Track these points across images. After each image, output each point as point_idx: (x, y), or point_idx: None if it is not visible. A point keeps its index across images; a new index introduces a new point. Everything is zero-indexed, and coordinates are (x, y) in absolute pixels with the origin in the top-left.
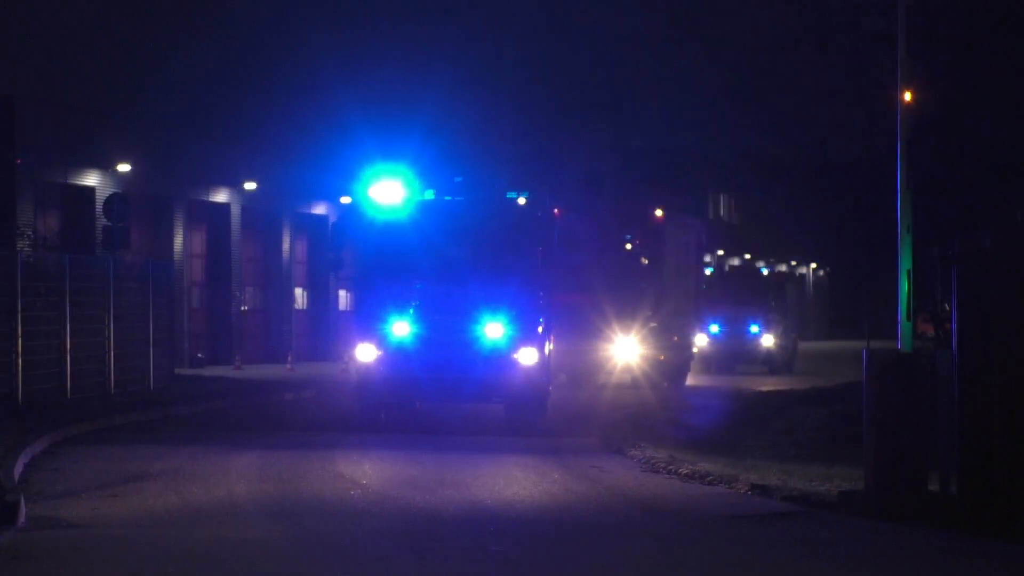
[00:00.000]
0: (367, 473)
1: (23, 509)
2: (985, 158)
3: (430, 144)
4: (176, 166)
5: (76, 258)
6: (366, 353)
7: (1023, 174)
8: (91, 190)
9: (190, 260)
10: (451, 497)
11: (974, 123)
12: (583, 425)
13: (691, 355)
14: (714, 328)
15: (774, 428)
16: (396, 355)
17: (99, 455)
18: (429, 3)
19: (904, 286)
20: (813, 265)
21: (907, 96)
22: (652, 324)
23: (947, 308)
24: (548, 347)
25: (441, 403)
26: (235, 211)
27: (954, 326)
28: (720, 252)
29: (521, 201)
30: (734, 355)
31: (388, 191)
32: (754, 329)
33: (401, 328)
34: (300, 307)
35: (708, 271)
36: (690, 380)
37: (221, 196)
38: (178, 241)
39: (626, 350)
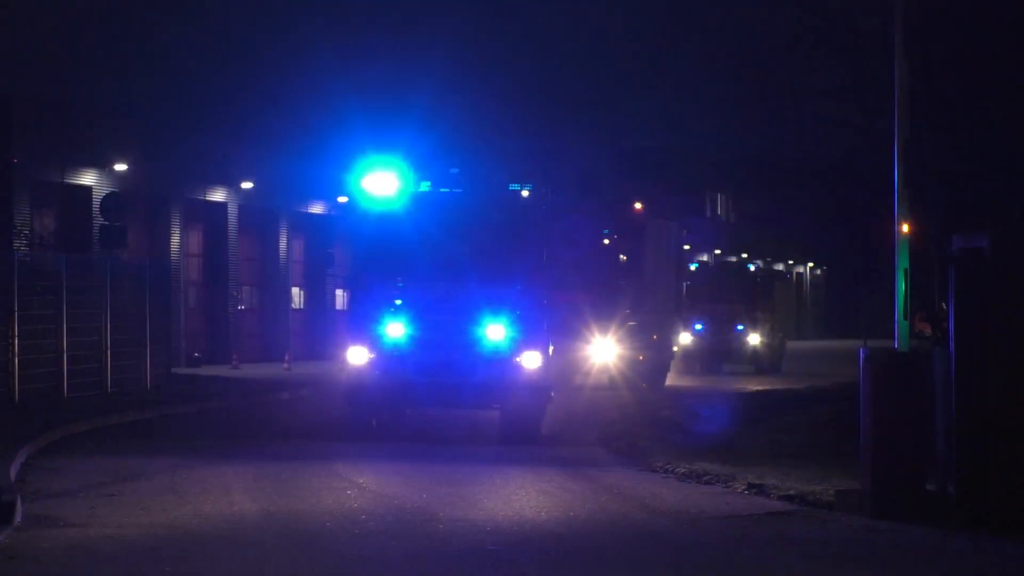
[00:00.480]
0: (364, 487)
1: (20, 508)
2: (982, 156)
3: (425, 137)
4: (173, 165)
5: (73, 257)
6: (358, 356)
7: (1019, 172)
8: (88, 189)
9: (187, 259)
10: (459, 527)
11: (971, 121)
12: (580, 431)
13: (671, 355)
14: (698, 326)
15: (770, 428)
16: (390, 358)
17: (96, 455)
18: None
19: (901, 285)
20: (810, 264)
21: (904, 95)
22: (631, 323)
23: (944, 307)
24: (551, 350)
25: (437, 409)
26: (232, 210)
27: (952, 325)
28: (717, 251)
29: (524, 194)
30: (719, 354)
31: (382, 182)
32: (740, 327)
33: (395, 329)
34: (297, 306)
35: (693, 267)
36: (675, 381)
37: (218, 195)
38: (175, 240)
39: (603, 350)
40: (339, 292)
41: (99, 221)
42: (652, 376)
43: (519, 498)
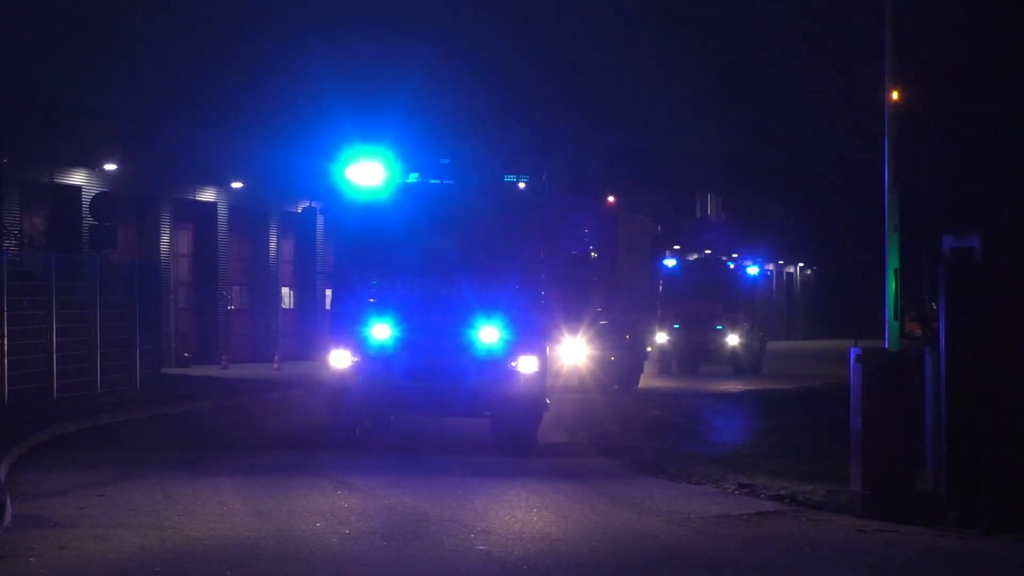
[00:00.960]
0: (349, 511)
1: (9, 509)
2: (971, 156)
3: (413, 128)
4: (162, 165)
5: (63, 257)
6: (341, 359)
7: (1008, 171)
8: (77, 189)
9: (176, 259)
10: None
11: (961, 121)
12: (564, 432)
13: (645, 355)
14: (675, 326)
15: (759, 428)
16: (375, 362)
17: (86, 455)
18: None
19: (891, 285)
20: (800, 264)
21: (894, 95)
22: (603, 322)
23: (934, 307)
24: (547, 352)
25: (426, 417)
26: (222, 210)
27: (942, 325)
28: (707, 251)
29: (521, 185)
30: (697, 354)
31: (367, 172)
32: (718, 327)
33: (381, 331)
34: (287, 306)
35: (671, 262)
36: (651, 382)
37: (208, 195)
38: (164, 240)
39: (574, 351)
40: (329, 292)
41: (88, 221)
42: (624, 378)
43: (509, 498)
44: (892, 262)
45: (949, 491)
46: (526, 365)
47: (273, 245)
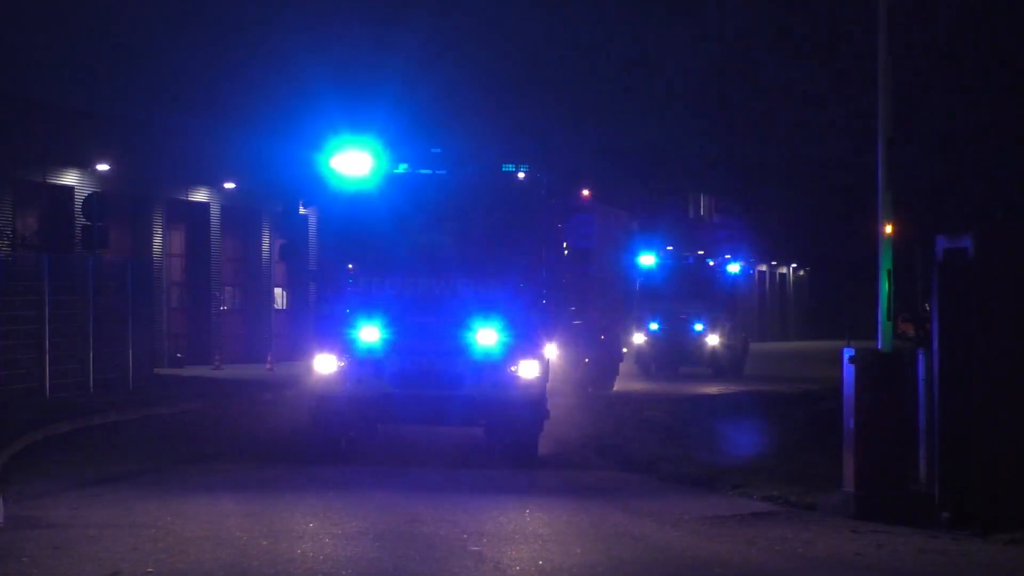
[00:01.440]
0: (342, 511)
1: (2, 509)
2: (965, 158)
3: (403, 120)
4: (155, 165)
5: (55, 257)
6: (326, 364)
7: (1001, 173)
8: (70, 189)
9: (169, 259)
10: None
11: (954, 123)
12: (573, 447)
13: (620, 356)
14: (653, 326)
15: (751, 429)
16: (363, 367)
17: (78, 455)
18: None
19: (884, 286)
20: (793, 265)
21: (888, 97)
22: (576, 322)
23: (927, 308)
24: (548, 356)
25: (418, 426)
26: (214, 210)
27: (935, 326)
28: (700, 252)
29: (520, 175)
30: (675, 355)
31: (354, 162)
32: (698, 328)
33: (370, 333)
34: (280, 307)
35: (649, 260)
36: (628, 384)
37: (200, 195)
38: (157, 240)
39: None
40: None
41: (81, 221)
42: (599, 380)
43: (501, 497)
44: (885, 263)
45: (942, 492)
46: (527, 370)
47: (266, 245)
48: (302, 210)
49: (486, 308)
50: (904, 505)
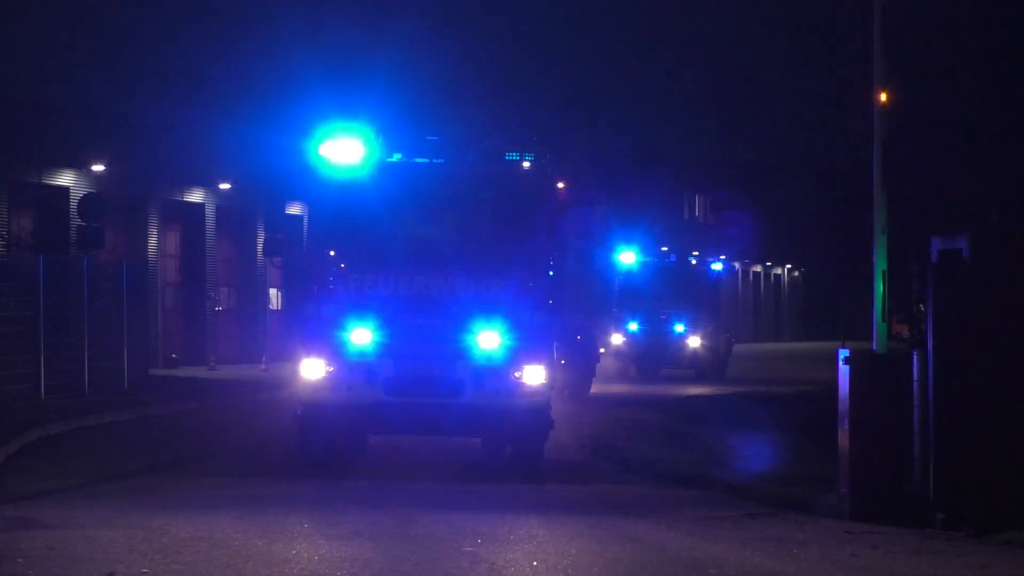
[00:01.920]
0: (339, 512)
1: None
2: (959, 158)
3: (399, 108)
4: (150, 166)
5: (51, 258)
6: (314, 370)
7: (996, 174)
8: (65, 190)
9: (164, 260)
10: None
11: (949, 124)
12: (567, 449)
13: (597, 357)
14: (633, 326)
15: (746, 430)
16: (354, 372)
17: (74, 456)
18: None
19: (879, 287)
20: (788, 266)
21: (882, 97)
22: None
23: (922, 309)
24: (556, 362)
25: (413, 436)
26: (209, 211)
27: (930, 327)
28: (695, 253)
29: (526, 165)
30: (657, 357)
31: (344, 150)
32: (679, 328)
33: (361, 336)
34: (275, 307)
35: (629, 258)
36: (607, 387)
37: (196, 196)
38: (152, 241)
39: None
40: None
41: (77, 222)
42: (575, 382)
43: (495, 499)
44: (880, 264)
45: (937, 493)
46: (532, 376)
47: (260, 246)
48: (295, 209)
49: (488, 309)
50: (899, 506)
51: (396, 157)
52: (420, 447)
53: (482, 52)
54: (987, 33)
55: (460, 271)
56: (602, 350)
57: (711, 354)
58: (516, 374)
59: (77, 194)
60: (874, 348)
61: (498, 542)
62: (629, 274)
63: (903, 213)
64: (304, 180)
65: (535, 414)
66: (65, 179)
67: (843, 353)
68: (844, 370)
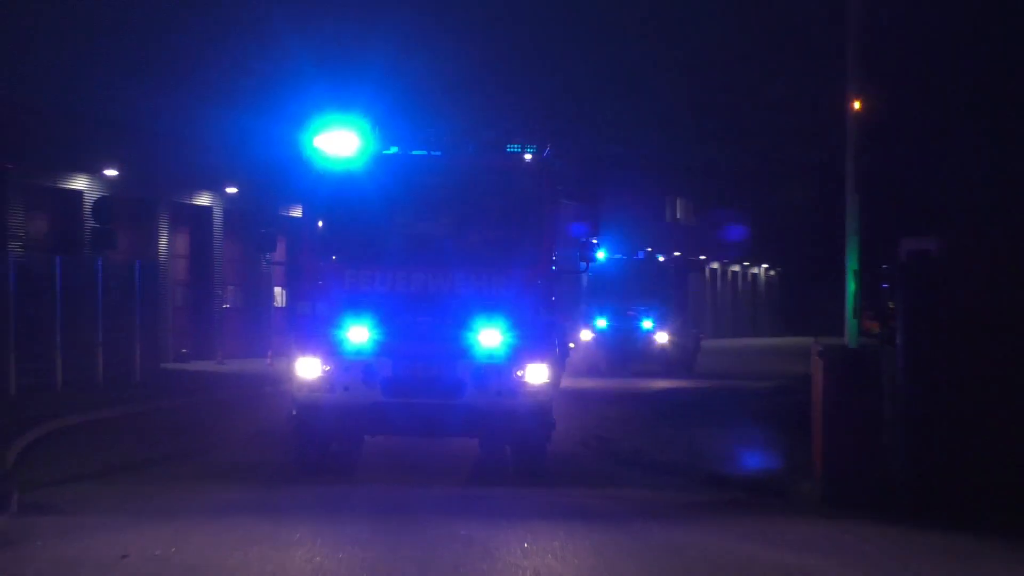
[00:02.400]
0: (341, 498)
1: (15, 496)
2: (929, 162)
3: (396, 100)
4: (160, 171)
5: (66, 259)
6: (309, 369)
7: (964, 177)
8: (79, 194)
9: (174, 260)
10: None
11: (919, 131)
12: (556, 441)
13: (567, 352)
14: (602, 322)
15: (721, 422)
16: (351, 373)
17: (88, 446)
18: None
19: (851, 286)
20: (764, 265)
21: (856, 104)
22: None
23: (892, 306)
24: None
25: (411, 437)
26: (217, 213)
27: (900, 323)
28: (677, 253)
29: (527, 157)
30: (626, 352)
31: (340, 142)
32: (647, 325)
33: (358, 334)
34: (279, 305)
35: (600, 254)
36: (577, 382)
37: (204, 199)
38: (162, 242)
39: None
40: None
41: (90, 224)
42: None
43: (494, 489)
44: (852, 264)
45: (907, 483)
46: (535, 375)
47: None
48: (297, 212)
49: (489, 305)
50: (871, 493)
51: (393, 150)
52: (418, 446)
53: (467, 47)
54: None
55: (460, 267)
56: (571, 345)
57: (679, 350)
58: (519, 373)
59: (90, 198)
60: (846, 343)
61: (491, 526)
62: (599, 271)
63: (874, 216)
64: (298, 173)
65: (539, 414)
66: (79, 183)
67: (818, 348)
68: (819, 364)
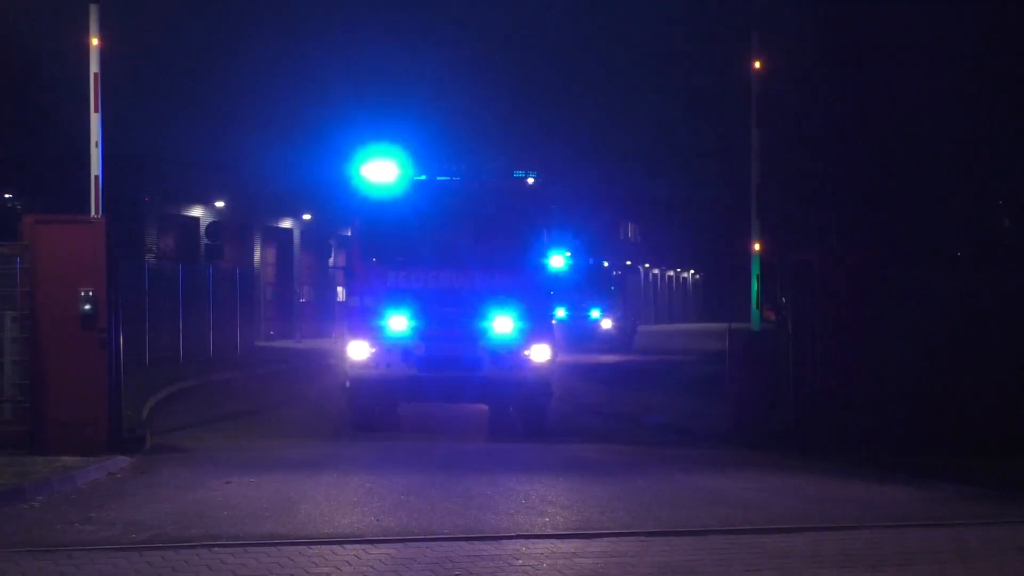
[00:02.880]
0: (391, 449)
1: (148, 439)
2: (810, 198)
3: (430, 133)
4: (255, 202)
5: (186, 266)
6: (359, 351)
7: (837, 207)
8: (196, 219)
9: (265, 267)
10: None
11: (802, 174)
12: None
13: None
14: (561, 313)
15: (665, 384)
16: (392, 353)
17: (203, 401)
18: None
19: (754, 285)
20: (691, 271)
21: (758, 155)
22: None
23: (783, 301)
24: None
25: (441, 404)
26: (296, 234)
27: (790, 314)
28: (628, 262)
29: (530, 181)
30: (578, 335)
31: (381, 170)
32: (595, 314)
33: (398, 323)
34: (341, 299)
35: (559, 261)
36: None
37: (286, 223)
38: (256, 255)
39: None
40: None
41: (204, 242)
42: None
43: (501, 443)
44: (754, 270)
45: (795, 428)
46: (539, 353)
47: (331, 258)
48: (350, 231)
49: (501, 299)
50: (770, 436)
51: (423, 177)
52: (444, 413)
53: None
54: (830, 115)
55: (477, 268)
56: None
57: (620, 332)
58: (525, 352)
59: (205, 222)
60: (751, 327)
61: (503, 470)
62: (557, 274)
63: (771, 236)
64: (349, 195)
65: (542, 384)
66: (196, 211)
67: (730, 330)
68: (731, 341)
